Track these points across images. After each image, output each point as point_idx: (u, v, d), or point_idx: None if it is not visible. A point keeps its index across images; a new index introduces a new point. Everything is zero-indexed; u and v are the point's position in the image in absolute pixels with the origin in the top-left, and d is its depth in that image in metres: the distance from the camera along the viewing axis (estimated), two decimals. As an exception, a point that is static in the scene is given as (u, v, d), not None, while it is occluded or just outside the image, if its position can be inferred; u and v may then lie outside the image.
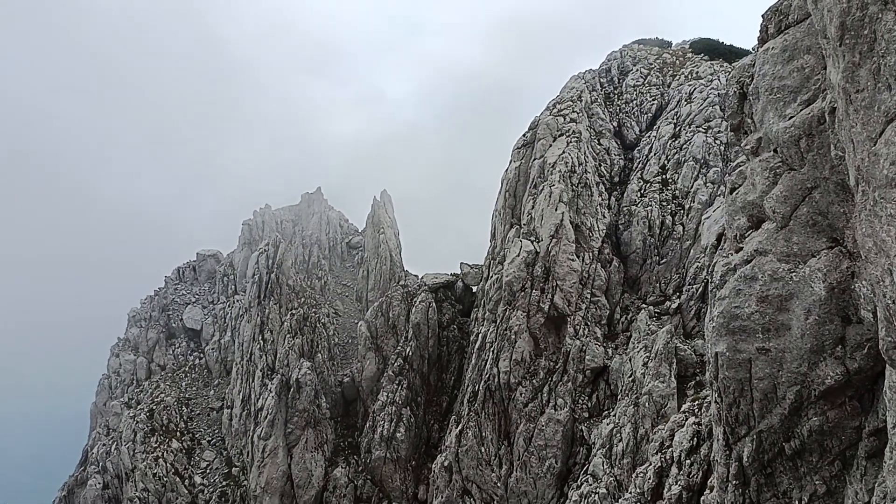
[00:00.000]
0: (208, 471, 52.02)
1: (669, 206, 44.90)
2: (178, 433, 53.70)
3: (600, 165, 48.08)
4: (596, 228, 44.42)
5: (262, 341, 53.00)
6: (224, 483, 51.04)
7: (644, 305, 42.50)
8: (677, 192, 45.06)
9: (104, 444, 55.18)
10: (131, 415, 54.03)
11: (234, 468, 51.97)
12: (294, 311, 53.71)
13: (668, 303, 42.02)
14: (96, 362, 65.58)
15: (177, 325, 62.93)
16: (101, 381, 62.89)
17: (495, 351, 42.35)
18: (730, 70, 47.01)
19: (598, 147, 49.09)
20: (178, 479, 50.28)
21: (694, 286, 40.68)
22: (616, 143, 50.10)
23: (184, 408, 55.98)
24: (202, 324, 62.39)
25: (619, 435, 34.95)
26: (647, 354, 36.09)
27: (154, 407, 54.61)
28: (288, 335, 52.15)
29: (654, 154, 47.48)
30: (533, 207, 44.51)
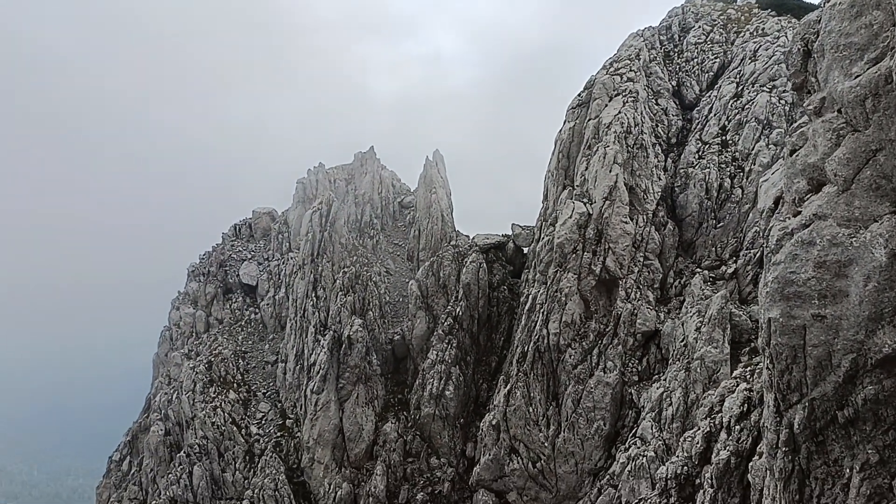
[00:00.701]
0: (263, 421, 53.77)
1: (728, 169, 43.71)
2: (234, 384, 55.51)
3: (657, 126, 46.96)
4: (651, 190, 43.60)
5: (314, 298, 54.03)
6: (279, 434, 52.71)
7: (698, 270, 41.78)
8: (737, 153, 43.79)
9: (166, 393, 57.41)
10: (191, 366, 55.98)
11: (288, 420, 53.57)
12: (346, 269, 54.48)
13: (723, 267, 41.22)
14: (161, 315, 67.83)
15: (233, 281, 64.55)
16: (162, 333, 65.23)
17: (545, 312, 42.32)
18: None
19: (656, 107, 47.87)
20: (235, 428, 52.12)
21: (752, 251, 39.77)
22: (674, 102, 48.76)
23: (240, 360, 57.72)
24: (258, 280, 63.85)
25: (668, 399, 34.78)
26: (701, 319, 35.62)
27: (212, 359, 56.45)
28: (340, 292, 53.02)
29: (715, 114, 46.12)
30: (586, 169, 43.87)
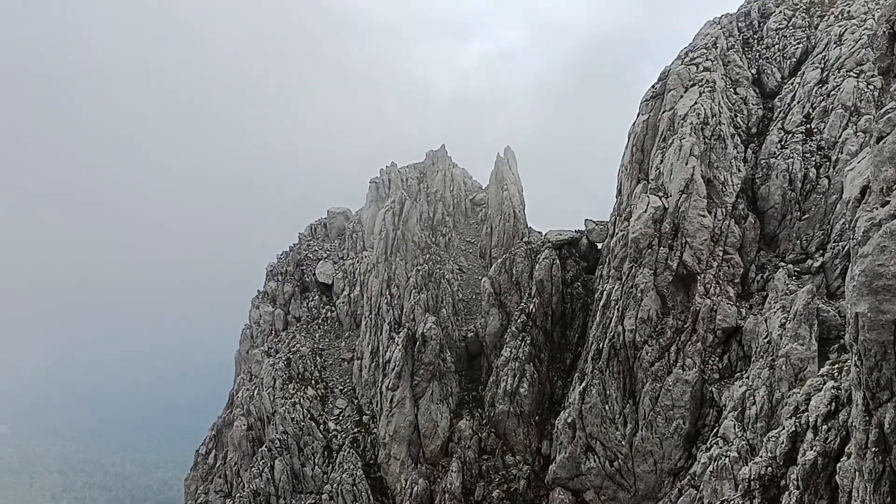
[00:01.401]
0: (341, 418, 54.81)
1: (813, 158, 41.95)
2: (312, 381, 56.78)
3: (736, 116, 45.47)
4: (730, 183, 42.29)
5: (388, 296, 54.68)
6: (356, 430, 53.65)
7: (782, 264, 40.29)
8: (823, 142, 41.95)
9: (248, 390, 59.16)
10: (271, 363, 57.53)
11: (364, 416, 54.45)
12: (419, 267, 54.91)
13: (809, 261, 39.64)
14: (242, 314, 69.72)
15: (310, 280, 65.92)
16: (243, 331, 67.19)
17: (620, 309, 41.64)
18: (887, 7, 42.91)
19: (734, 96, 46.36)
20: (313, 423, 53.33)
21: (840, 243, 38.08)
22: (754, 91, 47.11)
23: (317, 358, 58.98)
24: (333, 278, 65.00)
25: (752, 398, 33.72)
26: (785, 315, 34.39)
27: (291, 356, 57.88)
28: (413, 290, 53.49)
29: (798, 102, 44.30)
30: (661, 162, 42.90)
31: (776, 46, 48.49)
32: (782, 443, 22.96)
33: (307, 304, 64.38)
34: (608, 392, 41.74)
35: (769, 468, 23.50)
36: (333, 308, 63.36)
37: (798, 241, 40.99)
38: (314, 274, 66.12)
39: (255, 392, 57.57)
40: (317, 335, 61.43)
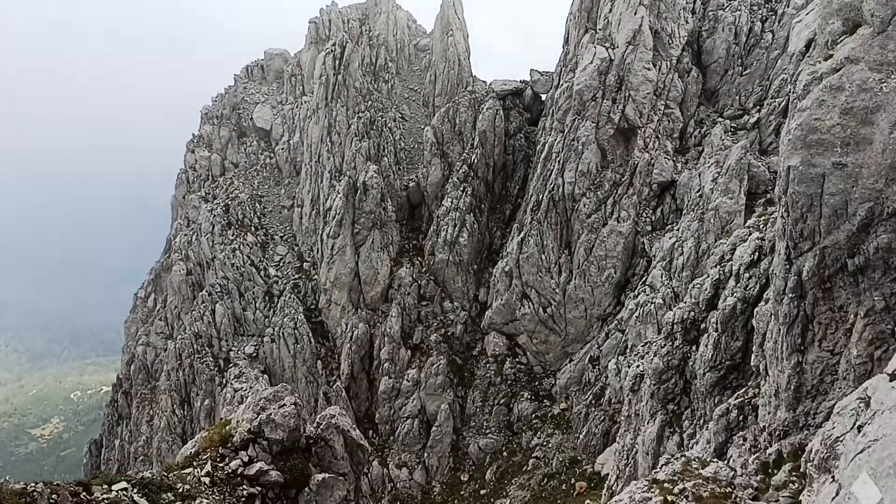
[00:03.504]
0: (281, 264, 55.21)
1: (760, 12, 41.60)
2: (252, 228, 56.49)
3: (689, -36, 44.14)
4: (677, 35, 41.77)
5: (329, 143, 53.65)
6: (296, 276, 54.27)
7: (720, 119, 40.88)
8: (771, -5, 41.45)
9: (185, 235, 58.56)
10: (209, 209, 56.69)
11: (304, 263, 54.96)
12: (361, 115, 53.68)
13: (746, 117, 40.28)
14: (176, 156, 67.47)
15: (247, 125, 63.91)
16: (178, 175, 65.42)
17: (561, 161, 42.01)
18: None
19: (689, -57, 44.76)
20: (254, 269, 53.66)
21: (777, 99, 38.69)
22: (709, -62, 45.53)
23: (257, 204, 58.36)
24: (272, 124, 63.14)
25: (680, 249, 35.17)
26: (718, 170, 35.30)
27: (229, 202, 57.09)
28: (355, 138, 52.55)
29: (751, -48, 43.14)
30: (610, 11, 41.87)
31: None
32: (706, 289, 24.30)
33: (245, 149, 62.80)
34: (545, 242, 42.92)
35: (692, 313, 24.99)
36: (272, 154, 62.05)
37: (737, 97, 41.40)
38: (252, 118, 64.05)
39: (194, 237, 57.09)
40: (255, 181, 60.42)
